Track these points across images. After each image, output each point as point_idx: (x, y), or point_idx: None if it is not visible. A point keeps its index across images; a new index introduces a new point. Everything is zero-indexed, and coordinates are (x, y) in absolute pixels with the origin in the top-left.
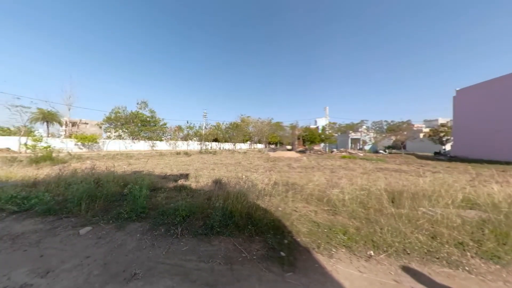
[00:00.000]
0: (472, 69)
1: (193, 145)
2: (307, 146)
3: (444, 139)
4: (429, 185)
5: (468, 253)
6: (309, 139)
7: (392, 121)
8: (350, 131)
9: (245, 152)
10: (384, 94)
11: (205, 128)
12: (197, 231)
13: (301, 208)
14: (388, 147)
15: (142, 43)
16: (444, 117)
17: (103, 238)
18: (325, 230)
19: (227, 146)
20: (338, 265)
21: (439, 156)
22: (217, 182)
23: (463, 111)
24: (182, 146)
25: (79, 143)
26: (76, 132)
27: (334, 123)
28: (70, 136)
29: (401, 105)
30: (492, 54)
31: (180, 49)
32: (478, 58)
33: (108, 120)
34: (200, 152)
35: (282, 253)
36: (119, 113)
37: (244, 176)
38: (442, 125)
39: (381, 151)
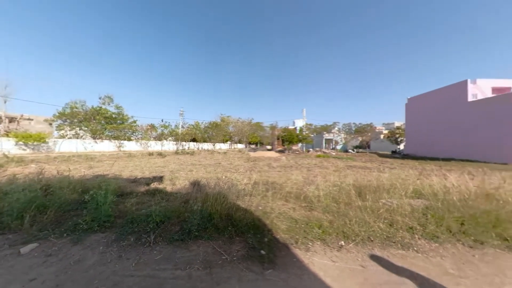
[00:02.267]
0: (421, 80)
1: (169, 146)
2: (286, 146)
3: (399, 139)
4: (387, 180)
5: (416, 236)
6: (288, 139)
7: (359, 124)
8: (324, 132)
9: (225, 153)
10: (353, 98)
11: (182, 127)
12: (173, 237)
13: (281, 206)
14: (356, 147)
15: (112, 35)
16: (399, 121)
17: (54, 255)
18: (303, 226)
19: (206, 146)
20: (314, 257)
21: (395, 154)
22: (195, 184)
23: (413, 116)
24: (155, 146)
25: (21, 143)
26: (16, 129)
27: (311, 125)
28: (7, 135)
29: (366, 109)
30: (438, 68)
31: (157, 45)
32: (428, 70)
33: (61, 116)
34: (176, 152)
35: (263, 252)
36: (76, 108)
37: (224, 177)
38: (398, 127)
39: (350, 150)
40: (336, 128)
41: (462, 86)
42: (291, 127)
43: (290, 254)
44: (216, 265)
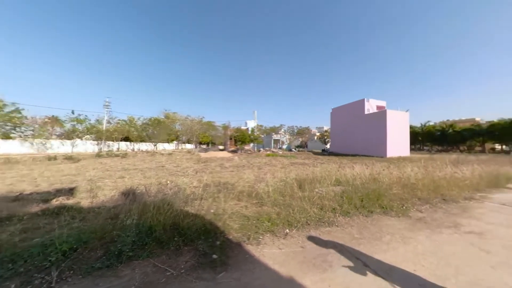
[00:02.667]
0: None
1: (86, 147)
2: (238, 146)
3: (326, 140)
4: (319, 173)
5: (337, 214)
6: (240, 139)
7: (300, 126)
8: (273, 133)
9: (170, 154)
10: (296, 105)
11: (109, 122)
12: (93, 266)
13: (233, 206)
14: (298, 146)
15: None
16: (327, 126)
17: None
18: (254, 222)
19: (145, 146)
20: (265, 249)
21: (324, 152)
22: (129, 194)
23: (335, 122)
24: (61, 147)
25: None
26: None
27: (261, 126)
28: None
29: (305, 114)
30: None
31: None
32: (345, 87)
33: None
34: (99, 155)
35: (214, 256)
36: None
37: (168, 182)
38: (326, 131)
39: (293, 149)
40: (283, 130)
41: (361, 103)
42: (243, 127)
43: (243, 252)
44: (158, 284)
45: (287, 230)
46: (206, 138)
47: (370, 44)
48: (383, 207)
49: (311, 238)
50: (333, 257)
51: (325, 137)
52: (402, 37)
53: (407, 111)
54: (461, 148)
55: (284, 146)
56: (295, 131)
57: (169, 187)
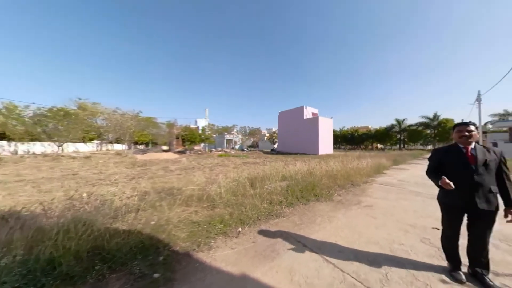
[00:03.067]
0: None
1: None
2: (187, 146)
3: (275, 140)
4: (268, 170)
5: (283, 206)
6: (189, 139)
7: (252, 127)
8: (226, 133)
9: (88, 157)
10: (248, 105)
11: None
12: None
13: (180, 213)
14: (249, 146)
15: None
16: (275, 127)
17: None
18: (205, 226)
19: (42, 148)
20: (217, 252)
21: (272, 151)
22: (7, 218)
23: (282, 125)
24: None
25: None
26: None
27: (213, 125)
28: None
29: (257, 115)
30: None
31: None
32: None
33: None
34: None
35: (156, 275)
36: None
37: (85, 194)
38: (274, 132)
39: (245, 149)
40: (235, 130)
41: (301, 109)
42: (193, 126)
43: (193, 261)
44: None
45: (240, 229)
46: (145, 137)
47: (311, 59)
48: (316, 195)
49: (262, 232)
50: (280, 245)
51: (274, 138)
52: (326, 58)
53: (331, 118)
54: (362, 146)
55: (237, 146)
56: (247, 131)
57: (87, 201)
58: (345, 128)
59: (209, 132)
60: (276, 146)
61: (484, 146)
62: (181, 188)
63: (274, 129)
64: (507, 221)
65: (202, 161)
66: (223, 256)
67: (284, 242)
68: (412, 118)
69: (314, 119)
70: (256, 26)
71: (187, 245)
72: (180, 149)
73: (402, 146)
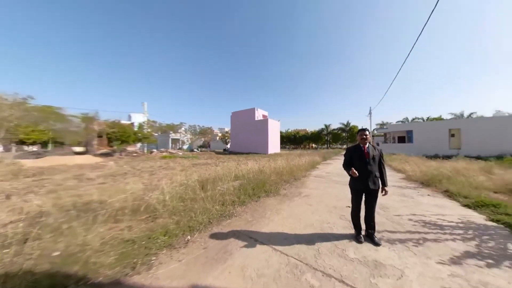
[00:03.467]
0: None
1: None
2: (116, 147)
3: (227, 140)
4: (221, 171)
5: (236, 206)
6: (119, 137)
7: (203, 126)
8: (171, 132)
9: None
10: (200, 103)
11: None
12: None
13: (106, 232)
14: (200, 146)
15: None
16: (228, 127)
17: None
18: (143, 243)
19: None
20: (160, 270)
21: (225, 151)
22: None
23: (234, 125)
24: None
25: None
26: None
27: (154, 122)
28: None
29: (209, 113)
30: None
31: None
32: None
33: None
34: None
35: None
36: None
37: None
38: (227, 132)
39: (195, 150)
40: (183, 129)
41: (252, 111)
42: (126, 122)
43: None
44: None
45: (189, 237)
46: (41, 134)
47: (262, 63)
48: (266, 192)
49: (214, 235)
50: (233, 245)
51: (226, 138)
52: (275, 64)
53: (279, 120)
54: (302, 146)
55: (185, 147)
56: (197, 130)
57: None
58: (289, 130)
59: (149, 130)
60: (228, 146)
61: (373, 145)
62: (105, 201)
63: (226, 129)
64: (383, 195)
65: (138, 165)
66: (168, 271)
67: (237, 241)
68: (335, 124)
69: (264, 121)
70: (203, 17)
71: (116, 271)
72: (105, 150)
73: (328, 145)
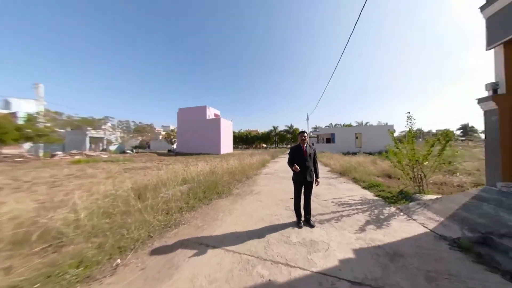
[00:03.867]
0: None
1: None
2: None
3: (173, 140)
4: (165, 175)
5: (184, 212)
6: None
7: (139, 123)
8: (89, 128)
9: None
10: (133, 96)
11: None
12: None
13: None
14: (136, 147)
15: None
16: (174, 125)
17: None
18: (36, 286)
19: None
20: None
21: (170, 152)
22: None
23: (182, 123)
24: None
25: None
26: None
27: (56, 113)
28: None
29: (148, 108)
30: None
31: None
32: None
33: None
34: None
35: None
36: None
37: None
38: (172, 130)
39: (128, 151)
40: (109, 125)
41: (203, 109)
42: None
43: None
44: None
45: (119, 260)
46: None
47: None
48: (219, 193)
49: (156, 251)
50: (180, 256)
51: (172, 137)
52: (226, 64)
53: (231, 120)
54: (253, 146)
55: (113, 147)
56: (132, 127)
57: None
58: (242, 130)
59: (48, 124)
60: (174, 146)
61: (309, 145)
62: None
63: (172, 127)
64: (316, 185)
65: (27, 175)
66: None
67: (185, 251)
68: (282, 126)
69: (217, 120)
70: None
71: None
72: None
73: (276, 145)
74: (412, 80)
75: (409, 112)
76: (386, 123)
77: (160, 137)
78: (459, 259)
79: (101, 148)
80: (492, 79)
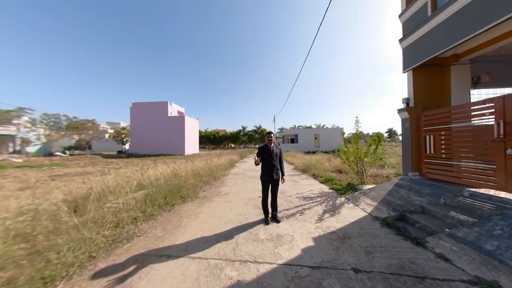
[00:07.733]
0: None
1: None
2: None
3: (124, 139)
4: (113, 181)
5: (139, 223)
6: None
7: (74, 117)
8: None
9: None
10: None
11: None
12: None
13: None
14: (70, 148)
15: None
16: (125, 122)
17: None
18: None
19: None
20: None
21: (121, 154)
22: None
23: (136, 119)
24: None
25: None
26: None
27: None
28: None
29: (87, 103)
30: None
31: None
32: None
33: None
34: None
35: None
36: None
37: None
38: (123, 128)
39: (58, 154)
40: (26, 118)
41: (165, 105)
42: None
43: None
44: None
45: None
46: None
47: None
48: (183, 197)
49: (98, 274)
50: (134, 274)
51: (123, 136)
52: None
53: (197, 119)
54: (221, 146)
55: (33, 148)
56: (64, 123)
57: None
58: (209, 130)
59: None
60: (127, 147)
61: (276, 145)
62: None
63: (124, 124)
64: (282, 183)
65: None
66: None
67: (140, 267)
68: (250, 126)
69: (180, 118)
70: None
71: None
72: None
73: (245, 145)
74: (356, 92)
75: (357, 117)
76: (338, 126)
77: (107, 135)
78: (387, 233)
79: (12, 150)
80: (406, 95)
